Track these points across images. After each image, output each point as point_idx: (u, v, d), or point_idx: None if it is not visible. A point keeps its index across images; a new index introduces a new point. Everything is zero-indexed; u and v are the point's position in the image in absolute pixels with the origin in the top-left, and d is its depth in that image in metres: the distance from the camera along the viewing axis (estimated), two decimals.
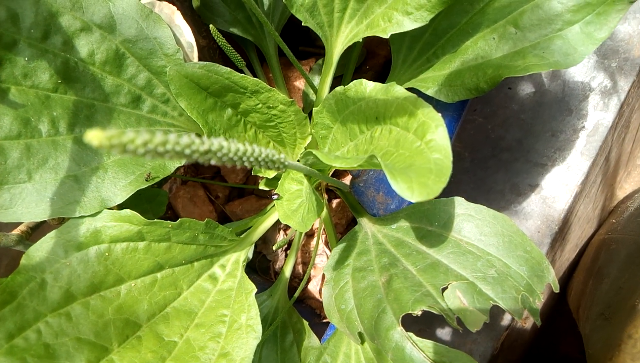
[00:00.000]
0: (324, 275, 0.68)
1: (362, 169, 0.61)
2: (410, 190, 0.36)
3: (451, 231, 0.54)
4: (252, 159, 0.31)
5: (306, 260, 0.77)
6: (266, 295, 0.67)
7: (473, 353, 0.91)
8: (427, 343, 0.49)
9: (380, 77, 0.76)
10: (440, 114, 0.43)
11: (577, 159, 0.95)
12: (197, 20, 0.74)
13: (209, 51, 0.79)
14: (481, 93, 0.53)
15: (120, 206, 0.54)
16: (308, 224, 0.50)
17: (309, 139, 0.65)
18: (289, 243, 0.78)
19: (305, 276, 0.70)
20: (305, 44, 0.84)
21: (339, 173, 0.73)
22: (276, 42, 0.72)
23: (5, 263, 0.84)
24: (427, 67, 0.58)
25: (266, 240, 0.80)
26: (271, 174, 0.64)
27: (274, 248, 0.66)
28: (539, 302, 0.49)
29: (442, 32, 0.56)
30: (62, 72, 0.53)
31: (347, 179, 0.72)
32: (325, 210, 0.70)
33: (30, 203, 0.49)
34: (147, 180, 0.51)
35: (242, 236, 0.61)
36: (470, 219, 0.54)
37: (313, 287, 0.77)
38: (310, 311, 0.78)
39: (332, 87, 0.76)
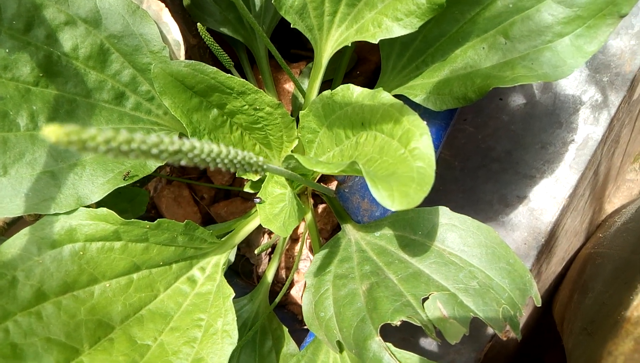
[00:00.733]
0: None
1: (346, 175, 0.60)
2: (391, 198, 0.36)
3: (434, 241, 0.53)
4: (226, 161, 0.30)
5: (290, 265, 0.76)
6: (247, 299, 0.66)
7: None
8: (406, 355, 0.48)
9: (371, 82, 0.76)
10: (425, 123, 0.43)
11: (566, 173, 0.95)
12: (187, 18, 0.73)
13: (199, 49, 0.78)
14: (469, 102, 0.53)
15: (98, 205, 0.53)
16: (289, 230, 0.49)
17: (296, 142, 0.64)
18: (273, 247, 0.77)
19: (287, 281, 0.69)
20: (297, 47, 0.83)
21: (325, 178, 0.73)
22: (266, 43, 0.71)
23: None
24: (417, 74, 0.58)
25: (250, 243, 0.79)
26: (255, 176, 0.63)
27: (256, 252, 0.65)
28: (520, 316, 0.49)
29: (432, 40, 0.56)
30: (44, 65, 0.52)
31: (333, 185, 0.71)
32: (310, 215, 0.69)
33: (4, 198, 0.47)
34: (125, 179, 0.50)
35: (223, 239, 0.60)
36: (454, 230, 0.53)
37: (295, 292, 0.76)
38: (292, 317, 0.77)
39: (321, 91, 0.75)
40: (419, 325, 0.45)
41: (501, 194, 0.98)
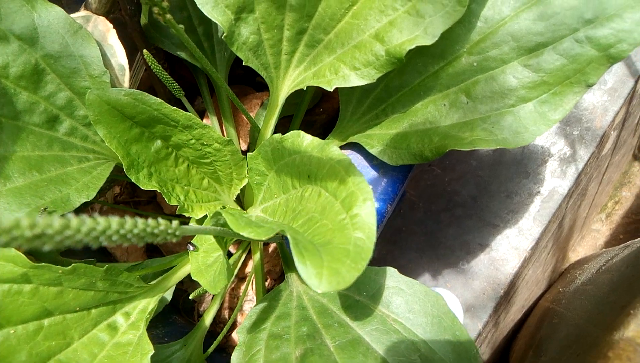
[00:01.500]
0: None
1: None
2: (319, 277, 0.32)
3: (379, 304, 0.50)
4: (128, 235, 0.26)
5: (234, 305, 0.72)
6: (180, 344, 0.61)
7: None
8: None
9: (333, 121, 0.73)
10: (371, 187, 0.40)
11: (530, 224, 0.93)
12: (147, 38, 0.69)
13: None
14: (425, 161, 0.50)
15: None
16: (217, 287, 0.45)
17: (246, 180, 0.60)
18: None
19: (229, 323, 0.64)
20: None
21: None
22: (227, 71, 0.68)
23: None
24: (376, 123, 0.55)
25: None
26: (199, 213, 0.59)
27: (191, 297, 0.61)
28: None
29: (393, 90, 0.53)
30: None
31: None
32: (258, 255, 0.65)
33: None
34: (41, 214, 0.45)
35: (155, 282, 0.55)
36: (401, 294, 0.50)
37: (237, 335, 0.71)
38: None
39: (279, 128, 0.72)
40: None
41: (463, 240, 0.96)
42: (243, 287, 0.72)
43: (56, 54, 0.50)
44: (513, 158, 0.95)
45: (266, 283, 0.72)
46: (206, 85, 0.71)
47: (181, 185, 0.58)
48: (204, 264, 0.48)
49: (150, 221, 0.28)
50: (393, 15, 0.45)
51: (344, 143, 0.58)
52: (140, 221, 0.27)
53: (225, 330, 0.63)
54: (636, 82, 0.97)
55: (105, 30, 0.54)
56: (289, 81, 0.54)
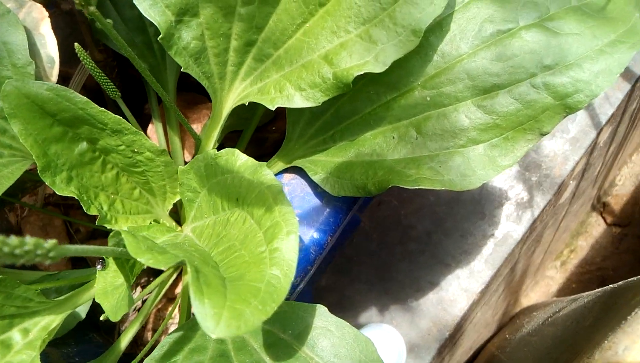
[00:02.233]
0: None
1: None
2: (216, 319, 0.28)
3: (304, 345, 0.46)
4: None
5: (158, 327, 0.67)
6: None
7: None
8: None
9: None
10: (297, 219, 0.36)
11: (481, 267, 0.91)
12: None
13: (104, 67, 0.69)
14: (368, 195, 0.47)
15: None
16: (119, 314, 0.40)
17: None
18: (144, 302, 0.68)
19: (148, 345, 0.59)
20: None
21: None
22: (177, 76, 0.64)
23: None
24: (322, 149, 0.52)
25: None
26: (123, 226, 0.54)
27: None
28: None
29: (344, 116, 0.50)
30: None
31: None
32: (188, 276, 0.61)
33: None
34: None
35: (62, 297, 0.50)
36: (328, 336, 0.46)
37: None
38: None
39: (228, 143, 0.68)
40: None
41: (414, 276, 0.93)
42: (170, 308, 0.67)
43: None
44: (471, 197, 0.93)
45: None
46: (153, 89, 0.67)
47: (107, 193, 0.53)
48: (112, 285, 0.43)
49: (12, 238, 0.24)
50: (345, 37, 0.42)
51: (289, 165, 0.54)
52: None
53: (142, 354, 0.58)
54: (598, 134, 0.97)
55: (39, 18, 0.49)
56: (234, 95, 0.51)
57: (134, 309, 0.68)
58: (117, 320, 0.39)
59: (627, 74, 0.96)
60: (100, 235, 0.74)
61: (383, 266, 0.94)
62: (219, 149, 0.48)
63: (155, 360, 0.46)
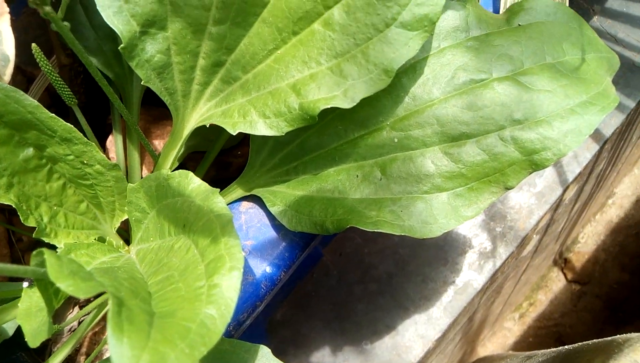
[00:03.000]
0: None
1: None
2: (134, 361, 0.25)
3: None
4: None
5: (91, 351, 0.62)
6: None
7: None
8: None
9: None
10: (246, 254, 0.34)
11: (439, 314, 0.89)
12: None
13: (70, 71, 0.66)
14: (325, 233, 0.45)
15: None
16: (37, 340, 0.36)
17: None
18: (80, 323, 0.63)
19: None
20: None
21: None
22: (143, 89, 0.61)
23: None
24: (284, 180, 0.49)
25: (56, 312, 0.64)
26: (63, 241, 0.51)
27: (56, 326, 0.51)
28: None
29: (309, 149, 0.48)
30: None
31: None
32: None
33: None
34: None
35: None
36: None
37: None
38: None
39: (189, 164, 0.65)
40: None
41: (372, 318, 0.90)
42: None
43: None
44: (435, 242, 0.92)
45: None
46: (119, 100, 0.64)
47: (50, 204, 0.49)
48: (37, 306, 0.40)
49: None
50: (315, 69, 0.41)
51: (248, 193, 0.52)
52: None
53: None
54: (564, 191, 0.98)
55: None
56: (198, 114, 0.49)
57: (69, 330, 0.64)
58: (35, 347, 0.36)
59: (596, 135, 0.98)
60: (46, 245, 0.69)
61: (341, 305, 0.92)
62: (178, 169, 0.46)
63: None
